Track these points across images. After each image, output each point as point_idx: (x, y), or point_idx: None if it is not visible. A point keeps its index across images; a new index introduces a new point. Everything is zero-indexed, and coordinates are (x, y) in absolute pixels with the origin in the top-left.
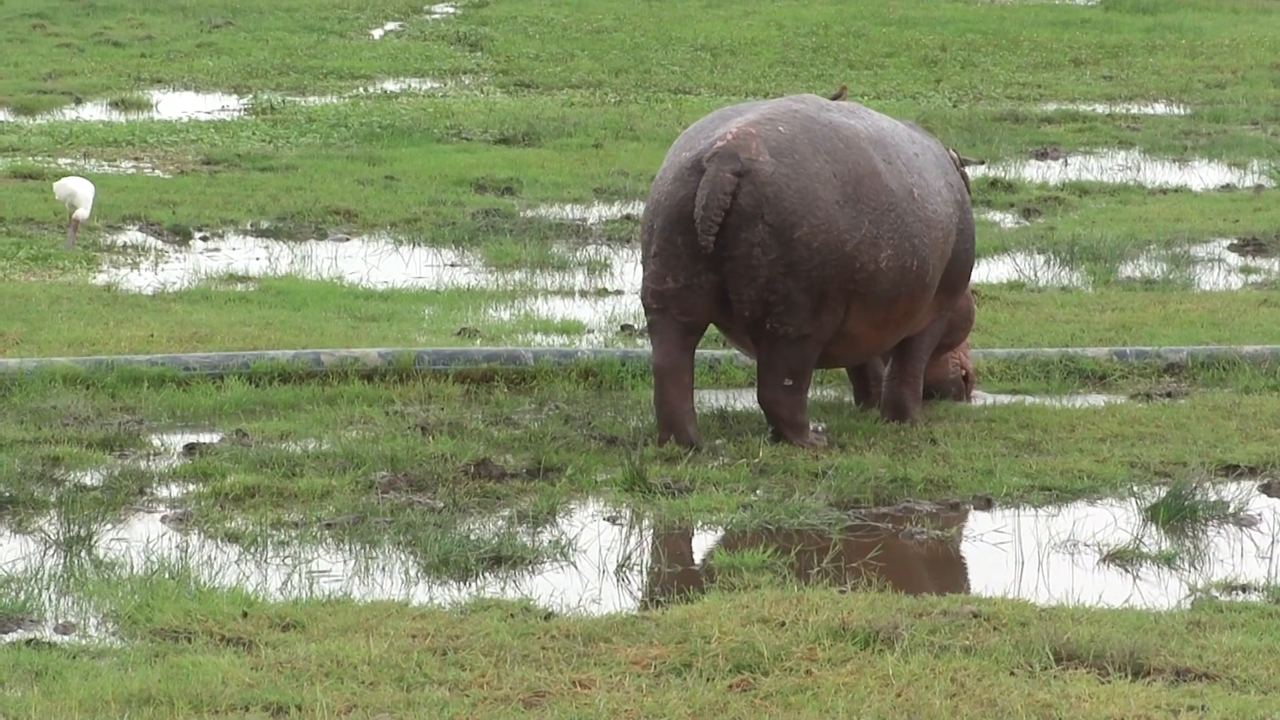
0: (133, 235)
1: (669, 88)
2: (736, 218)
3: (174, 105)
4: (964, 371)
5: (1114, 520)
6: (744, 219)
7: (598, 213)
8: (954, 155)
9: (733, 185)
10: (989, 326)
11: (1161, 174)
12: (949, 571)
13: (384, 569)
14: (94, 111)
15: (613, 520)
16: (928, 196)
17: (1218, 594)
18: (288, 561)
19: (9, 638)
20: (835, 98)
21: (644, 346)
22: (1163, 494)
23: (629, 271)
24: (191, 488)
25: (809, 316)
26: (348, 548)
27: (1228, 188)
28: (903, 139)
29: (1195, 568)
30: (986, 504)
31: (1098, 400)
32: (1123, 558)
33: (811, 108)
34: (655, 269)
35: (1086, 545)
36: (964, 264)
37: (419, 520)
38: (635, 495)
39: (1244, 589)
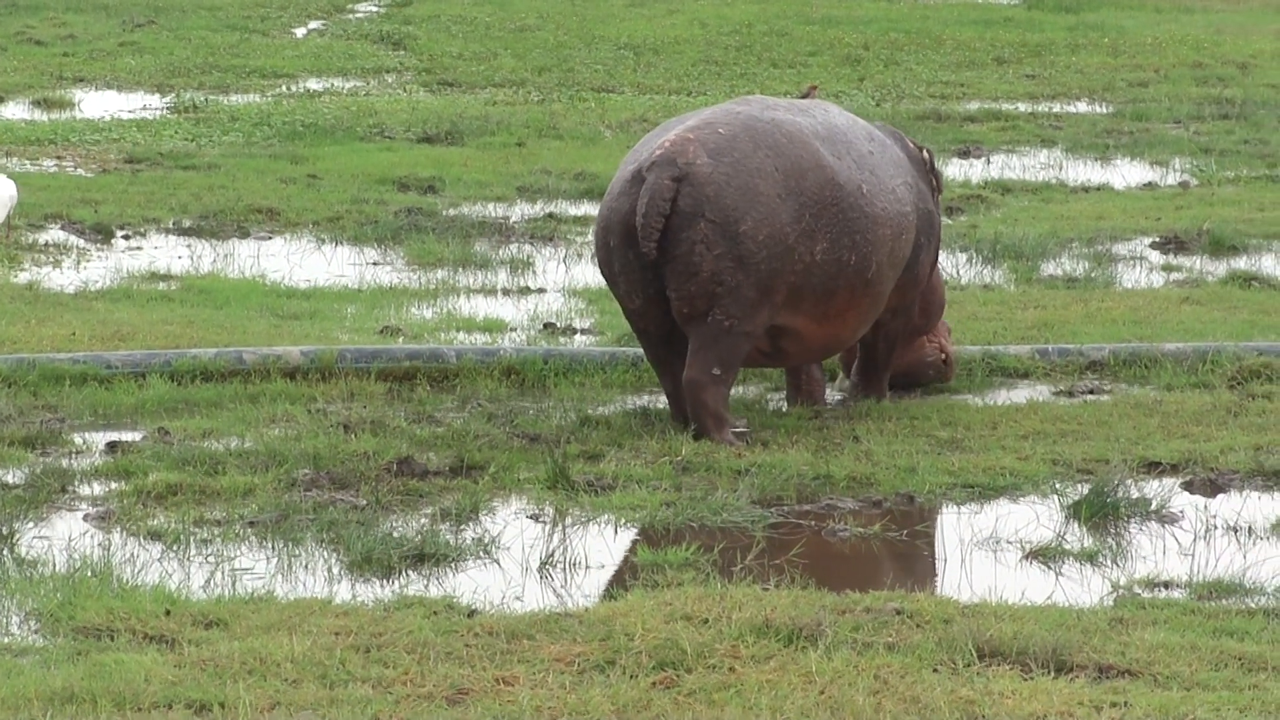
0: (55, 234)
1: (592, 86)
2: (677, 219)
3: (96, 104)
4: (944, 355)
5: (1036, 517)
6: (684, 219)
7: (520, 211)
8: (927, 155)
9: (671, 191)
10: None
11: (1084, 172)
12: (872, 569)
13: (307, 567)
14: (16, 110)
15: (536, 518)
16: (877, 193)
17: (1140, 591)
18: (210, 559)
19: None
20: (804, 96)
21: (566, 344)
22: (1085, 491)
23: (551, 270)
24: (114, 486)
25: (751, 310)
26: (270, 546)
27: (1150, 186)
28: (858, 136)
29: (1118, 565)
30: (909, 501)
31: (1020, 398)
32: (1045, 555)
33: (755, 108)
34: (623, 288)
35: (1009, 542)
36: (921, 265)
37: (342, 518)
38: (558, 493)
39: (1166, 586)
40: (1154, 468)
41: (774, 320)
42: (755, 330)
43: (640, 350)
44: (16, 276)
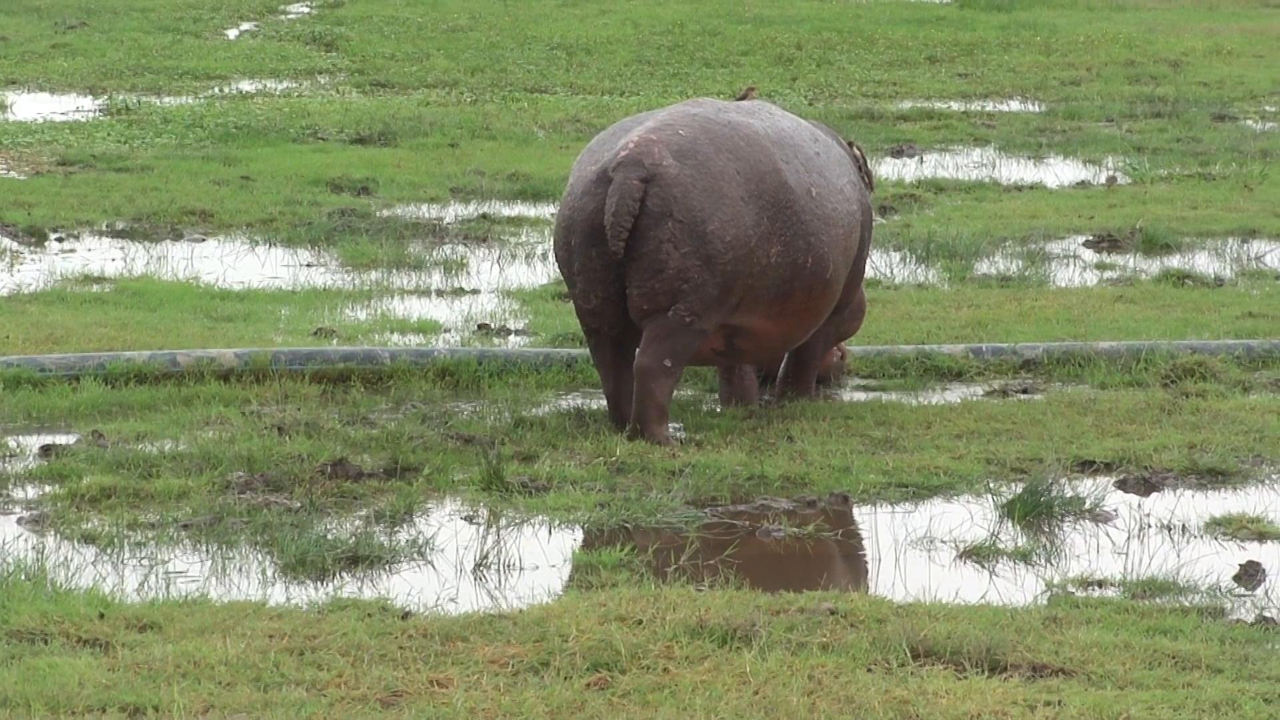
0: None
1: (525, 87)
2: (646, 219)
3: (29, 106)
4: (841, 354)
5: (970, 517)
6: (653, 219)
7: (454, 212)
8: (858, 153)
9: (640, 191)
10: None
11: (1017, 171)
12: (806, 569)
13: (241, 569)
14: None
15: (470, 519)
16: (827, 195)
17: (1074, 590)
18: (144, 562)
19: None
20: (742, 98)
21: (500, 345)
22: (1019, 490)
23: (485, 271)
24: (47, 489)
25: (711, 307)
26: (204, 548)
27: (1083, 184)
28: (804, 138)
29: (1051, 564)
30: (843, 501)
31: (954, 397)
32: (979, 554)
33: (709, 110)
34: (581, 287)
35: (943, 542)
36: (862, 261)
37: (276, 520)
38: (492, 494)
39: (1100, 585)
40: (1088, 466)
41: (729, 320)
42: (709, 328)
43: (574, 351)
44: None
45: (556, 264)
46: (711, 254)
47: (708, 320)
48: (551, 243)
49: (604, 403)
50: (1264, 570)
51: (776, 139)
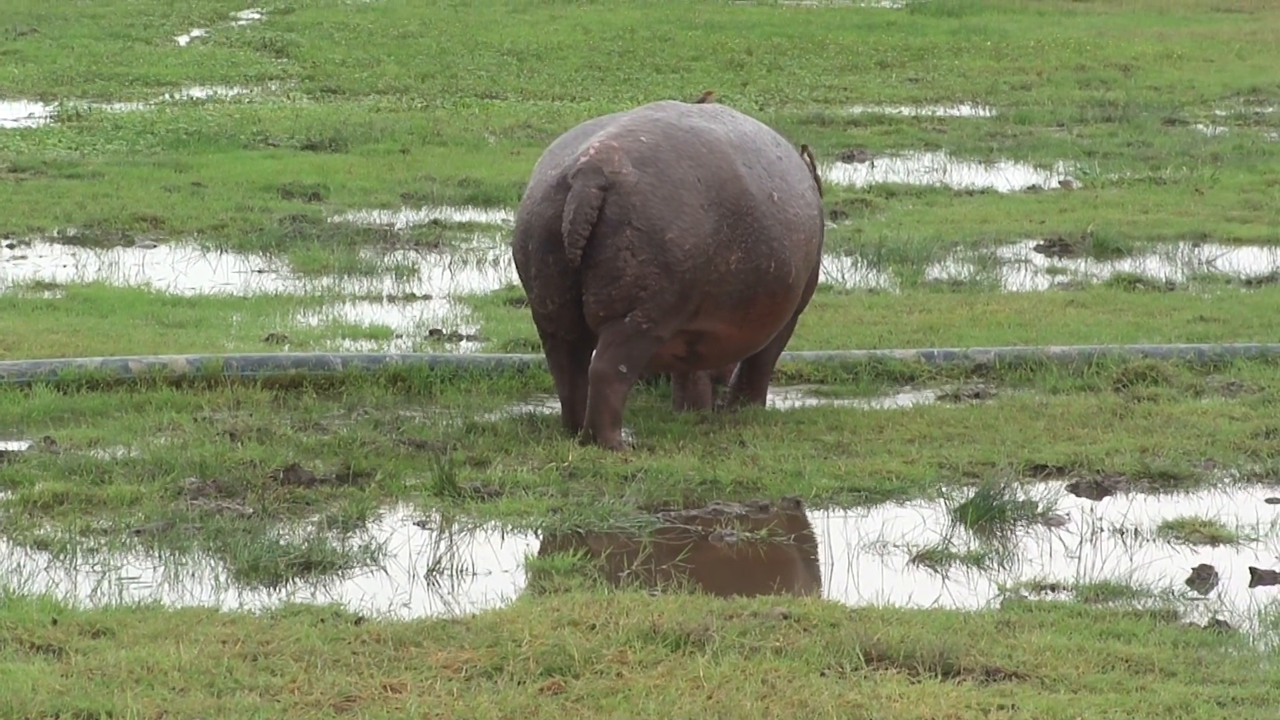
0: None
1: (475, 92)
2: (604, 227)
3: None
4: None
5: (923, 521)
6: (611, 227)
7: (405, 218)
8: (808, 158)
9: (599, 199)
10: (797, 329)
11: (968, 176)
12: (759, 573)
13: (194, 575)
14: None
15: (422, 525)
16: (789, 200)
17: (1027, 594)
18: (97, 568)
19: None
20: (700, 102)
21: (452, 351)
22: (971, 494)
23: (437, 276)
24: None
25: (668, 314)
26: (157, 554)
27: (1034, 189)
28: (766, 142)
29: (1004, 568)
30: (795, 505)
31: (906, 401)
32: (932, 558)
33: (672, 114)
34: (537, 292)
35: (896, 546)
36: (817, 267)
37: (228, 526)
38: (445, 500)
39: (1053, 589)
40: (1040, 470)
41: (691, 325)
42: (665, 334)
43: (526, 357)
44: None
45: (515, 267)
46: (670, 262)
47: (664, 327)
48: (510, 247)
49: (557, 408)
50: (1216, 574)
51: (739, 144)
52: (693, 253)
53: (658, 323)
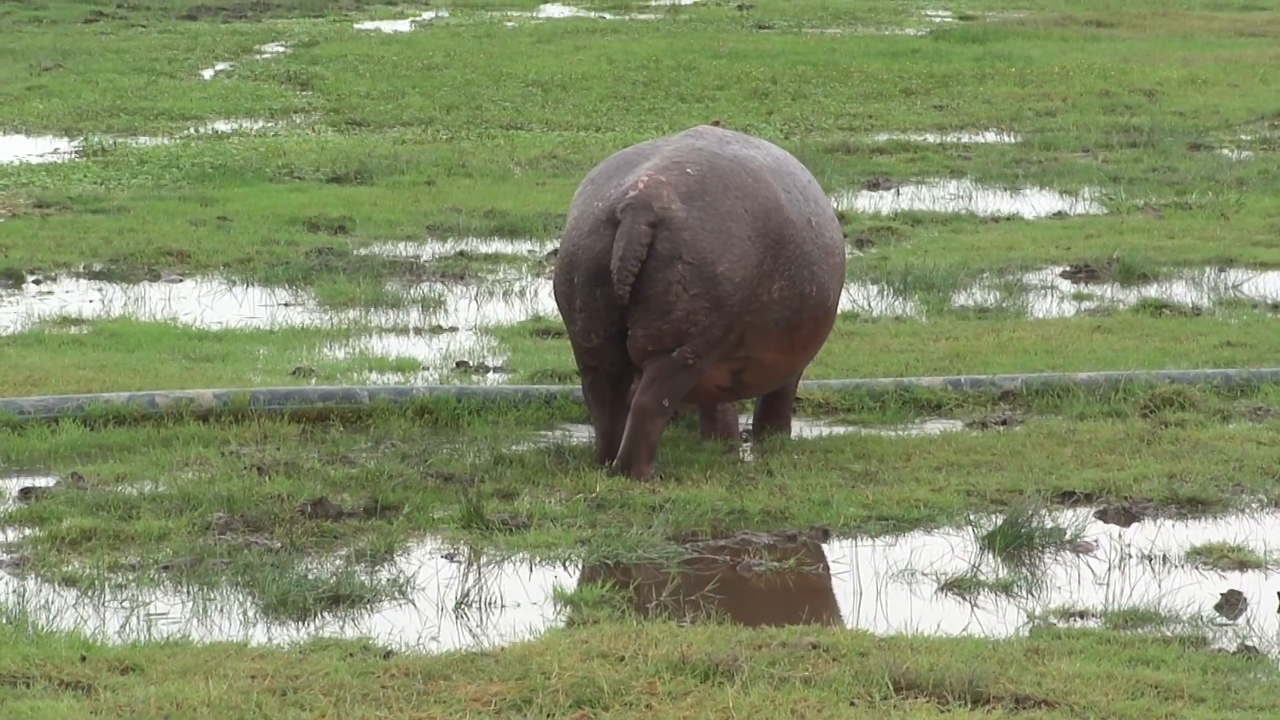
0: None
1: (501, 124)
2: (654, 262)
3: (4, 149)
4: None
5: (951, 549)
6: (661, 262)
7: (431, 250)
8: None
9: (648, 236)
10: (824, 357)
11: (993, 202)
12: (787, 603)
13: (222, 610)
14: None
15: (450, 557)
16: (824, 224)
17: (1055, 621)
18: (125, 604)
19: None
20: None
21: (479, 383)
22: (999, 522)
23: (463, 308)
24: (27, 532)
25: (712, 347)
26: (185, 589)
27: (1060, 215)
28: (795, 167)
29: (1033, 595)
30: (824, 535)
31: (933, 429)
32: (960, 586)
33: (713, 143)
34: (582, 325)
35: (924, 574)
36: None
37: (256, 561)
38: (472, 532)
39: (1081, 615)
40: (1068, 497)
41: (734, 354)
42: (706, 367)
43: (553, 388)
44: None
45: (555, 299)
46: (720, 295)
47: (708, 359)
48: (541, 278)
49: (583, 438)
50: (1245, 599)
51: (776, 170)
52: (742, 285)
53: (703, 356)
